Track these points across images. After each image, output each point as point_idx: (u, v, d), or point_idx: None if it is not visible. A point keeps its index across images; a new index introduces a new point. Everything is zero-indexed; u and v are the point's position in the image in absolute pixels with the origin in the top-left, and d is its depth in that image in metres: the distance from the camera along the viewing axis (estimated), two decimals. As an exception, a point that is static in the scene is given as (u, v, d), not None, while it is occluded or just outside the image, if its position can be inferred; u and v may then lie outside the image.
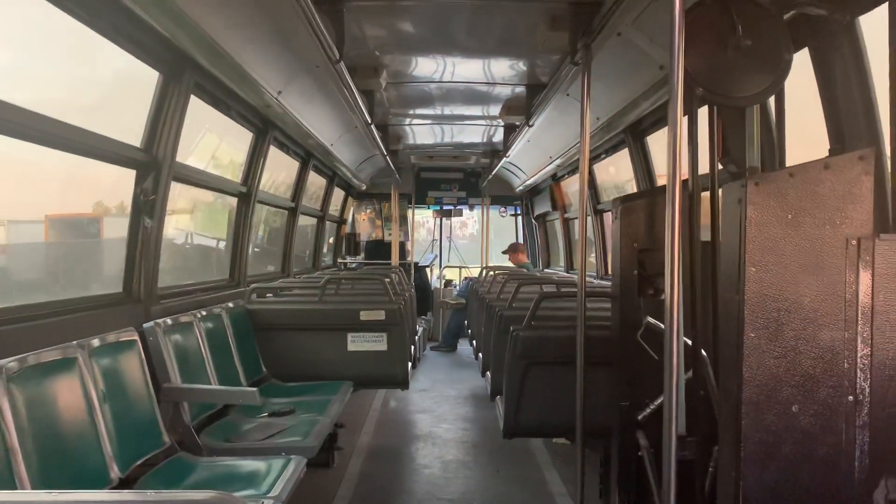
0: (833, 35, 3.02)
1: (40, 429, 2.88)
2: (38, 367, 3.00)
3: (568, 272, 10.73)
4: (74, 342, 3.33)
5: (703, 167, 2.96)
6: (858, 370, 2.21)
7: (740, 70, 2.76)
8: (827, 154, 2.85)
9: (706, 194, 3.02)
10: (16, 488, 2.64)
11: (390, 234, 13.01)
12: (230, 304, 5.61)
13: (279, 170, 8.16)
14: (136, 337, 3.92)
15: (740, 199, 2.26)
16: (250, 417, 4.70)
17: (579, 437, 4.09)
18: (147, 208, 4.25)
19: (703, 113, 2.95)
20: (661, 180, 6.24)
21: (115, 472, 3.29)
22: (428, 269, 14.00)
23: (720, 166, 3.05)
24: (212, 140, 6.11)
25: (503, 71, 6.51)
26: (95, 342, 3.49)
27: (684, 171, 2.57)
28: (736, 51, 2.74)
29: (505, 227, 14.62)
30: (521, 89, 7.10)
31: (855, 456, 2.22)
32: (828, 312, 2.22)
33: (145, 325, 4.12)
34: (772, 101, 3.04)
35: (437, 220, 14.54)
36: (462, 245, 15.52)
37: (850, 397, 2.21)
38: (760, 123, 2.98)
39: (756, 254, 2.23)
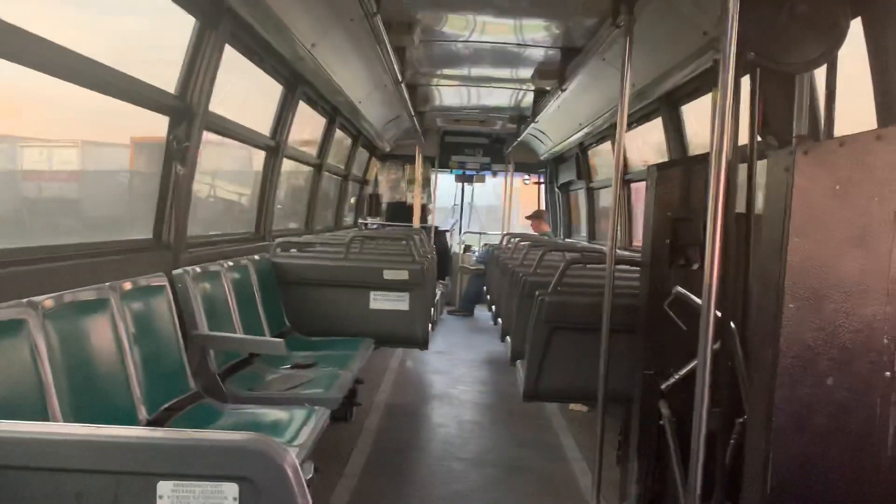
0: (887, 2, 2.92)
1: (73, 366, 2.91)
2: (73, 305, 3.03)
3: (590, 242, 10.68)
4: (107, 284, 3.36)
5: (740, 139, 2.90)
6: None
7: (793, 36, 2.69)
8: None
9: (742, 165, 2.96)
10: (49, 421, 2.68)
11: (413, 197, 12.99)
12: (256, 257, 5.64)
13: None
14: (166, 282, 3.95)
15: (787, 167, 2.21)
16: (273, 368, 4.74)
17: (600, 403, 4.09)
18: (179, 155, 4.26)
19: (743, 84, 2.88)
20: (693, 152, 6.15)
21: (142, 414, 3.34)
22: (448, 234, 13.99)
23: (759, 137, 2.99)
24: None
25: (537, 32, 6.39)
26: (127, 285, 3.52)
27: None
28: (790, 16, 2.66)
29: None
30: (554, 52, 6.97)
31: (889, 432, 2.19)
32: (871, 286, 2.17)
33: (174, 272, 4.15)
34: (821, 71, 2.97)
35: (460, 184, 14.46)
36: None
37: (888, 373, 2.18)
38: (809, 93, 2.91)
39: (801, 224, 2.18)
